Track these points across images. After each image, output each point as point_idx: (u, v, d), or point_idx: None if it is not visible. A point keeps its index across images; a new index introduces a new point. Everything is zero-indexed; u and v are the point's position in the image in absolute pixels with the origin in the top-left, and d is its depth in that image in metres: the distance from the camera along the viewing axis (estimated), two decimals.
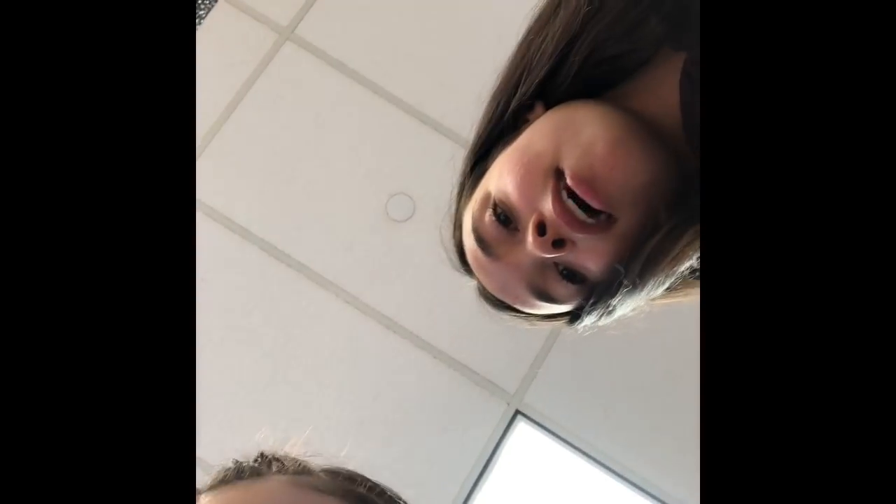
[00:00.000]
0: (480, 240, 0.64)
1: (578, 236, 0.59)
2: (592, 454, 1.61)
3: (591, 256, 0.61)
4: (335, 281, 1.69)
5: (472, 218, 0.65)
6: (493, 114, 0.66)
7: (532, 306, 0.67)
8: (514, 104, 0.64)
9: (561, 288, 0.63)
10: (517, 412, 1.63)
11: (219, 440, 1.63)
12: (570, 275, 0.63)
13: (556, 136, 0.61)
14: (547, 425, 1.62)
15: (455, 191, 0.70)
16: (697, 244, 0.62)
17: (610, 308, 0.66)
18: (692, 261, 0.63)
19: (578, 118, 0.62)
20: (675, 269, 0.63)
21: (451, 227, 0.72)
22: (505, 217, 0.62)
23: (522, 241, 0.62)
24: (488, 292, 0.70)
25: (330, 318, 1.68)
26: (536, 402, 1.63)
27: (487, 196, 0.63)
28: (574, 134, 0.61)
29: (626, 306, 0.66)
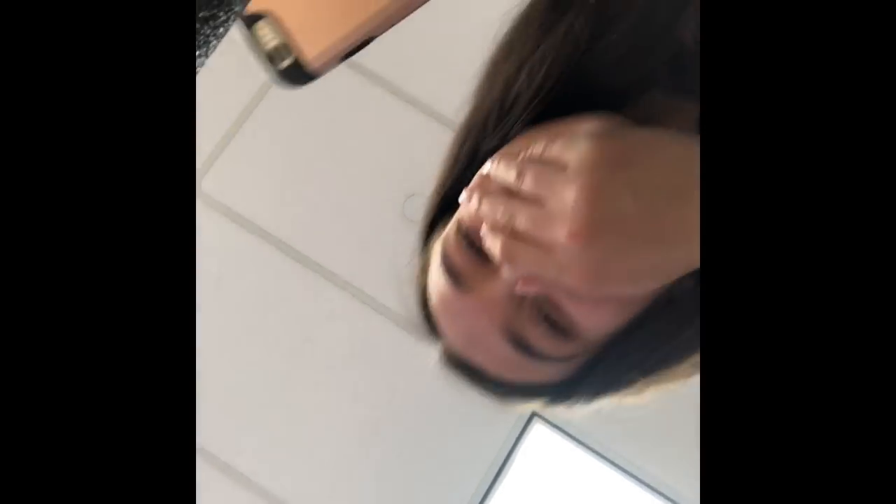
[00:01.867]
0: (450, 270, 0.53)
1: None
2: (609, 456, 1.60)
3: (581, 303, 0.49)
4: (351, 281, 1.70)
5: (443, 246, 0.55)
6: (462, 153, 0.57)
7: (506, 362, 0.54)
8: (489, 145, 0.54)
9: (541, 337, 0.51)
10: (533, 414, 1.63)
11: (235, 440, 1.64)
12: (553, 322, 0.50)
13: None
14: (563, 427, 1.62)
15: (421, 237, 0.60)
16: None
17: (596, 391, 0.55)
18: None
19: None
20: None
21: (416, 277, 0.61)
22: (477, 245, 0.52)
23: (497, 269, 0.51)
24: (456, 356, 0.57)
25: (346, 318, 1.68)
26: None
27: (458, 221, 0.54)
28: None
29: (624, 392, 0.55)
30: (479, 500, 1.60)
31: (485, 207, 0.50)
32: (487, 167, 0.52)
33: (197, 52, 0.33)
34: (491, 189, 0.51)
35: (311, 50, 0.36)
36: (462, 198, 0.53)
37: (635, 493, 1.59)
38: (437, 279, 0.55)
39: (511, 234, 0.48)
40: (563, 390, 0.56)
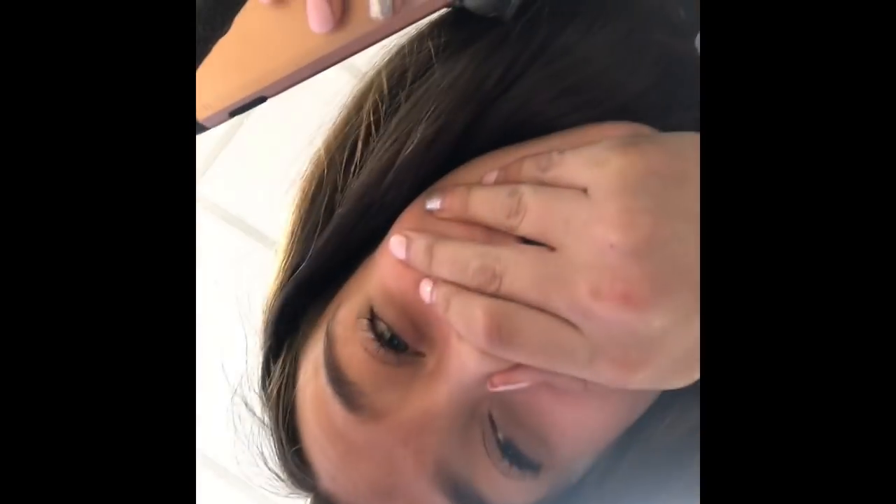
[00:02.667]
0: (343, 385, 0.33)
1: None
2: None
3: (568, 405, 0.32)
4: None
5: (328, 347, 0.35)
6: (316, 207, 0.39)
7: None
8: (387, 199, 0.36)
9: (497, 475, 0.33)
10: None
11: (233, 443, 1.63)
12: (517, 452, 0.33)
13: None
14: None
15: (266, 340, 0.42)
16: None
17: None
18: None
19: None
20: None
21: (270, 398, 0.40)
22: (396, 336, 0.33)
23: (437, 370, 0.33)
24: None
25: None
26: None
27: (365, 301, 0.35)
28: None
29: None
30: None
31: (443, 261, 0.32)
32: (433, 203, 0.35)
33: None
34: (449, 233, 0.33)
35: (199, 101, 0.35)
36: (393, 246, 0.34)
37: None
38: (317, 399, 0.35)
39: (496, 298, 0.31)
40: None
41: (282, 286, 0.40)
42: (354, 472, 0.34)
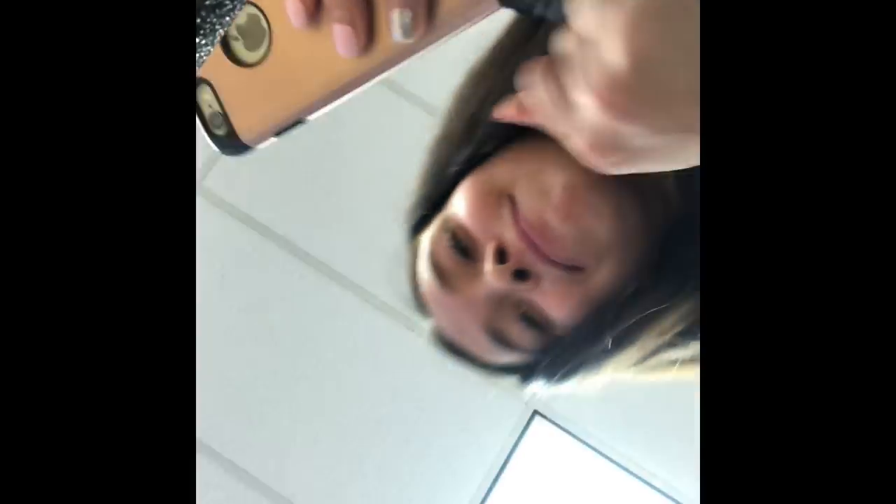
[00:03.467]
0: (436, 269, 0.57)
1: (544, 269, 0.53)
2: (608, 453, 1.60)
3: (556, 301, 0.54)
4: (355, 279, 1.70)
5: (431, 243, 0.58)
6: (461, 144, 0.59)
7: (487, 351, 0.59)
8: (488, 147, 0.57)
9: (519, 332, 0.57)
10: (535, 412, 1.63)
11: (238, 437, 1.64)
12: (531, 319, 0.56)
13: (516, 167, 0.56)
14: (564, 425, 1.62)
15: (410, 221, 0.64)
16: (683, 324, 0.56)
17: (568, 370, 0.59)
18: (671, 336, 0.57)
19: (542, 152, 0.54)
20: (655, 345, 0.59)
21: (407, 263, 0.64)
22: (462, 245, 0.56)
23: (480, 272, 0.55)
24: (443, 336, 0.62)
25: (349, 316, 1.68)
26: (554, 401, 1.63)
27: (445, 221, 0.58)
28: (532, 170, 0.54)
29: (590, 373, 0.60)
30: (482, 495, 1.60)
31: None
32: None
33: (203, 41, 0.33)
34: None
35: (242, 124, 0.37)
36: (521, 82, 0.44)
37: (635, 489, 1.59)
38: (425, 274, 0.59)
39: None
40: (532, 367, 0.61)
41: (413, 207, 0.63)
42: (443, 318, 0.60)
